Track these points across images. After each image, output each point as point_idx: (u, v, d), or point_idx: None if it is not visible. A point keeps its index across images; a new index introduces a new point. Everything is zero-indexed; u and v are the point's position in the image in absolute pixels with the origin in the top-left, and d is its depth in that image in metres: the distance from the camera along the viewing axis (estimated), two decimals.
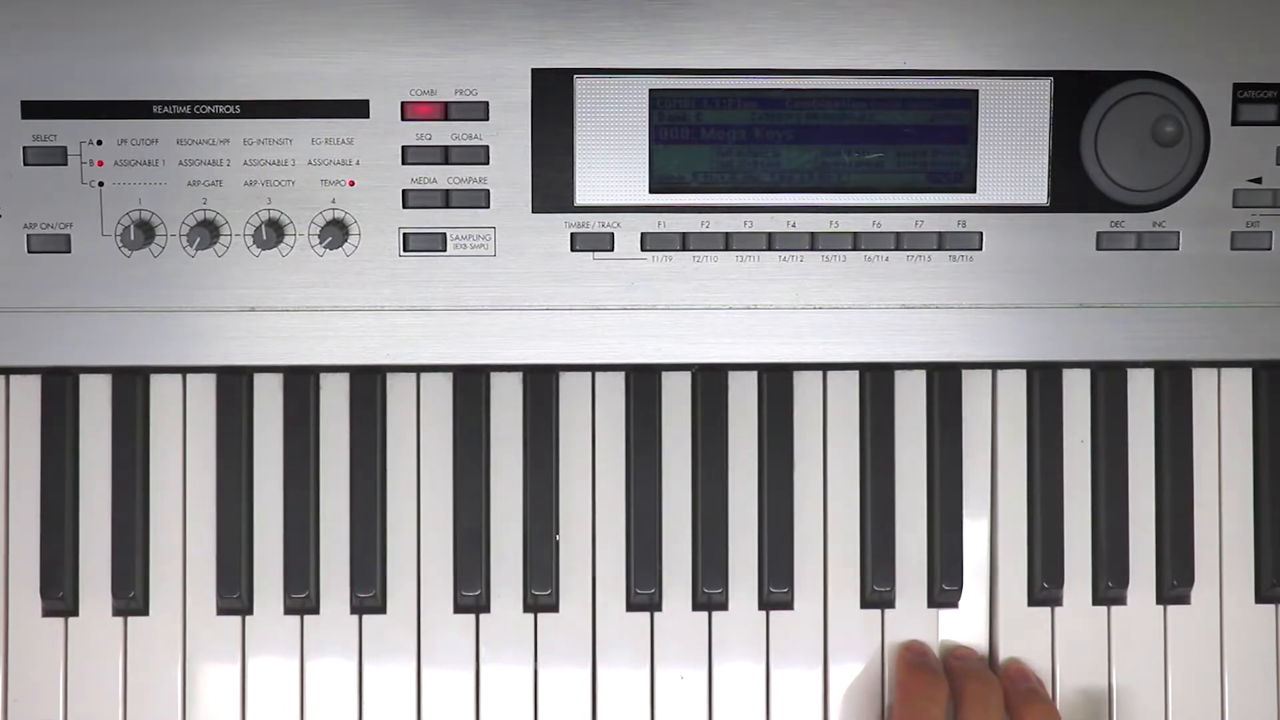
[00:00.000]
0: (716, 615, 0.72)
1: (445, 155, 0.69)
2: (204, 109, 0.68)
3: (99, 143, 0.68)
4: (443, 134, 0.69)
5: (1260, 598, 0.73)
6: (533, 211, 0.69)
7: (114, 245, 0.68)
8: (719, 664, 0.71)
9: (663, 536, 0.71)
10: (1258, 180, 0.71)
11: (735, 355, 0.71)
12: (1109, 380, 0.73)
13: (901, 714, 0.68)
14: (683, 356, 0.71)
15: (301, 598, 0.70)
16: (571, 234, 0.70)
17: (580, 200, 0.69)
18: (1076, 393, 0.73)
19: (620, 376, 0.72)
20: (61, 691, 0.70)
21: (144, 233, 0.67)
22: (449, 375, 0.71)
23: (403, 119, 0.68)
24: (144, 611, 0.70)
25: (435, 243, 0.69)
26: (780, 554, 0.71)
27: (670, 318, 0.70)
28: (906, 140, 0.70)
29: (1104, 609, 0.73)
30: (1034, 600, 0.73)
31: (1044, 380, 0.73)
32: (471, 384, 0.71)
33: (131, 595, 0.70)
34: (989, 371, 0.73)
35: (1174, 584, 0.73)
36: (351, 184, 0.69)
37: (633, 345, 0.70)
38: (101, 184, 0.68)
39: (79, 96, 0.67)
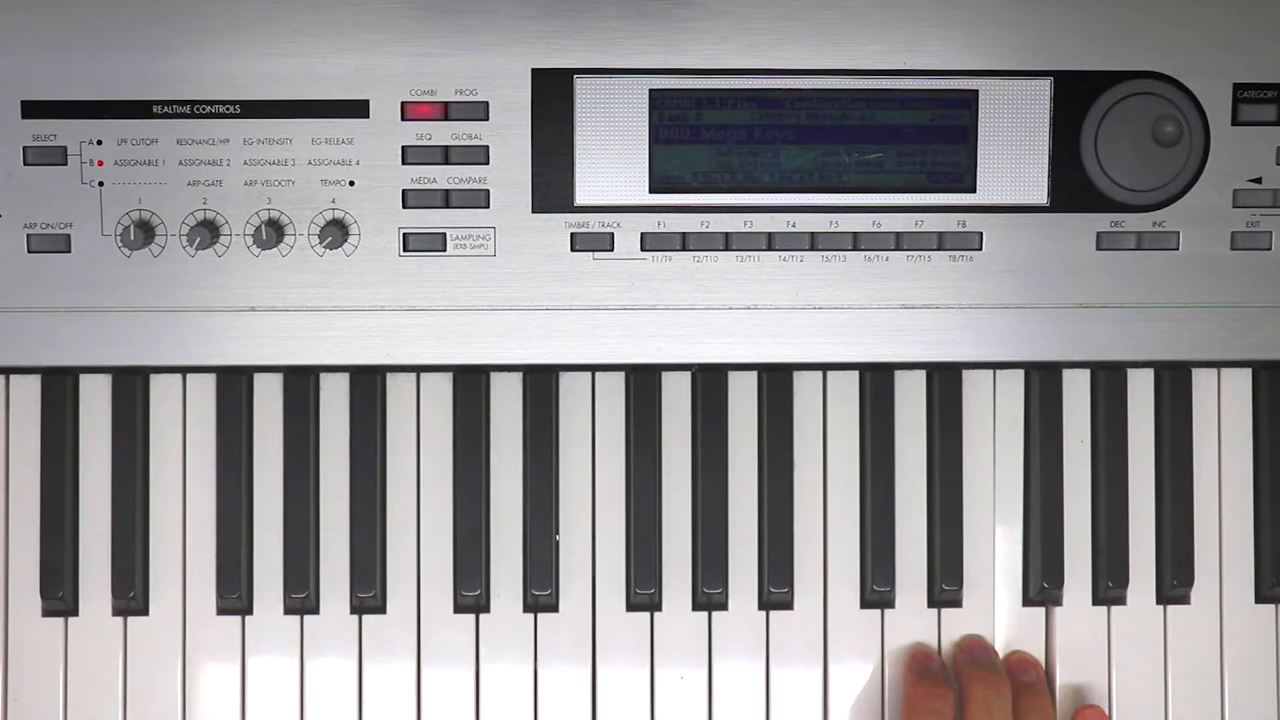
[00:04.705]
0: (716, 615, 0.72)
1: (445, 155, 0.69)
2: (204, 109, 0.68)
3: (99, 143, 0.68)
4: (443, 134, 0.69)
5: (1260, 598, 0.73)
6: (533, 211, 0.69)
7: (114, 245, 0.68)
8: (719, 664, 0.71)
9: (663, 536, 0.71)
10: (1258, 180, 0.71)
11: (735, 355, 0.71)
12: (1109, 380, 0.73)
13: None
14: (683, 356, 0.71)
15: (301, 598, 0.70)
16: (571, 234, 0.70)
17: (580, 200, 0.69)
18: (1076, 393, 0.73)
19: (620, 376, 0.72)
20: (61, 691, 0.70)
21: (144, 233, 0.67)
22: (449, 375, 0.71)
23: (403, 119, 0.68)
24: (144, 611, 0.70)
25: (435, 243, 0.69)
26: (780, 554, 0.71)
27: (670, 318, 0.70)
28: (906, 140, 0.70)
29: (1104, 609, 0.73)
30: (1034, 600, 0.73)
31: (1044, 380, 0.73)
32: (471, 384, 0.71)
33: (131, 595, 0.70)
34: (989, 371, 0.73)
35: (1174, 584, 0.73)
36: (351, 184, 0.69)
37: (633, 345, 0.70)
38: (101, 184, 0.68)
39: (79, 96, 0.67)
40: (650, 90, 0.69)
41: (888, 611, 0.72)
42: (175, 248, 0.69)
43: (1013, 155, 0.70)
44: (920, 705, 0.67)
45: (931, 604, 0.73)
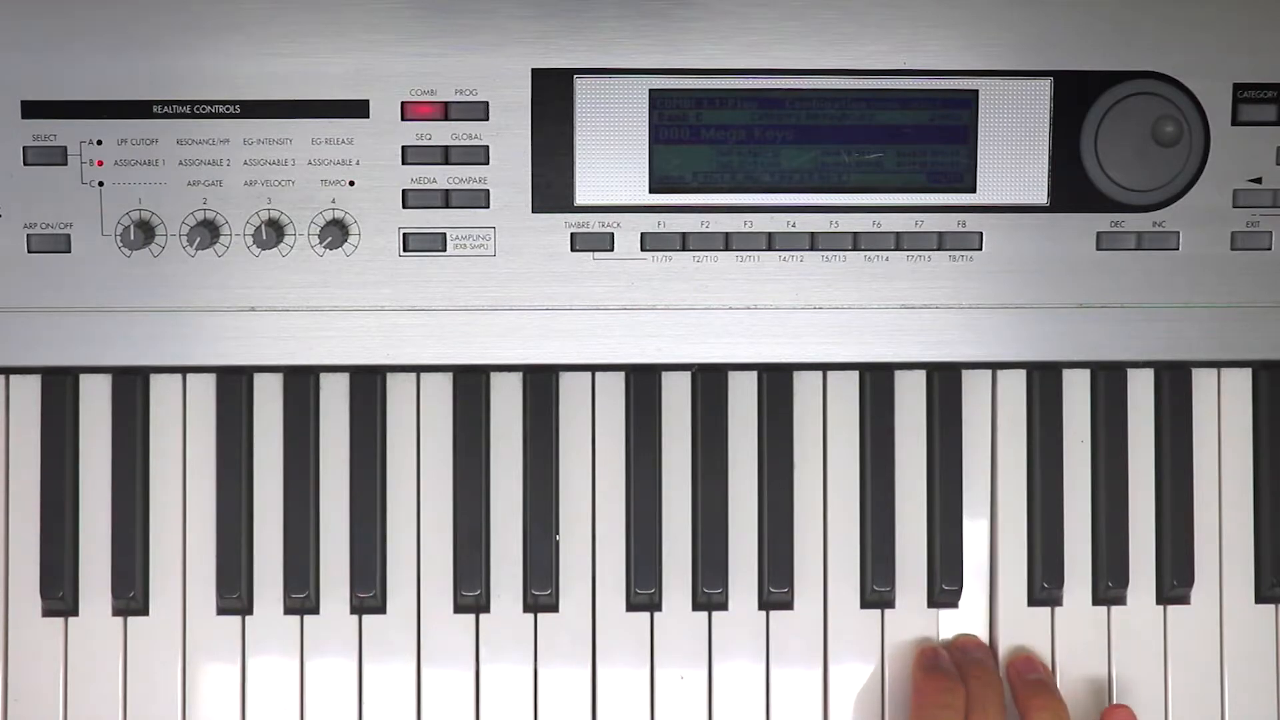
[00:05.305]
0: (716, 615, 0.72)
1: (445, 155, 0.69)
2: (204, 109, 0.68)
3: (99, 143, 0.68)
4: (443, 134, 0.69)
5: (1260, 598, 0.73)
6: (533, 211, 0.69)
7: (114, 245, 0.68)
8: (719, 664, 0.71)
9: (663, 536, 0.71)
10: (1258, 180, 0.71)
11: (735, 355, 0.71)
12: (1109, 380, 0.73)
13: (917, 718, 0.67)
14: (683, 356, 0.71)
15: (301, 598, 0.70)
16: (571, 234, 0.70)
17: (580, 200, 0.69)
18: (1076, 393, 0.73)
19: (620, 376, 0.72)
20: (61, 691, 0.70)
21: (144, 233, 0.67)
22: (449, 375, 0.71)
23: (403, 119, 0.68)
24: (144, 611, 0.70)
25: (435, 243, 0.69)
26: (780, 554, 0.71)
27: (670, 318, 0.70)
28: (906, 140, 0.70)
29: (1104, 609, 0.73)
30: (1034, 600, 0.73)
31: (1044, 380, 0.73)
32: (471, 384, 0.71)
33: (131, 595, 0.70)
34: (989, 371, 0.73)
35: (1174, 584, 0.73)
36: (351, 184, 0.69)
37: (633, 345, 0.70)
38: (101, 184, 0.68)
39: (79, 96, 0.67)
40: (650, 90, 0.69)
41: (888, 611, 0.72)
42: (175, 248, 0.69)
43: (1013, 155, 0.70)
44: (929, 699, 0.67)
45: (931, 604, 0.73)
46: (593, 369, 0.72)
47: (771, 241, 0.70)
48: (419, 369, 0.71)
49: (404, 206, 0.69)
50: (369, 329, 0.70)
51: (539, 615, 0.71)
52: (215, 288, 0.69)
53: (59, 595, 0.69)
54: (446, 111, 0.68)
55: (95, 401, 0.70)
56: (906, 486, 0.72)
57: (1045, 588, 0.72)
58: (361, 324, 0.70)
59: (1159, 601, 0.73)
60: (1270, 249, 0.71)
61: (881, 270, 0.70)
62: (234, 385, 0.70)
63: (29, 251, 0.68)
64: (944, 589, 0.72)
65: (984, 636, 0.73)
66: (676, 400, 0.72)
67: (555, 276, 0.70)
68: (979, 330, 0.71)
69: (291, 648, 0.70)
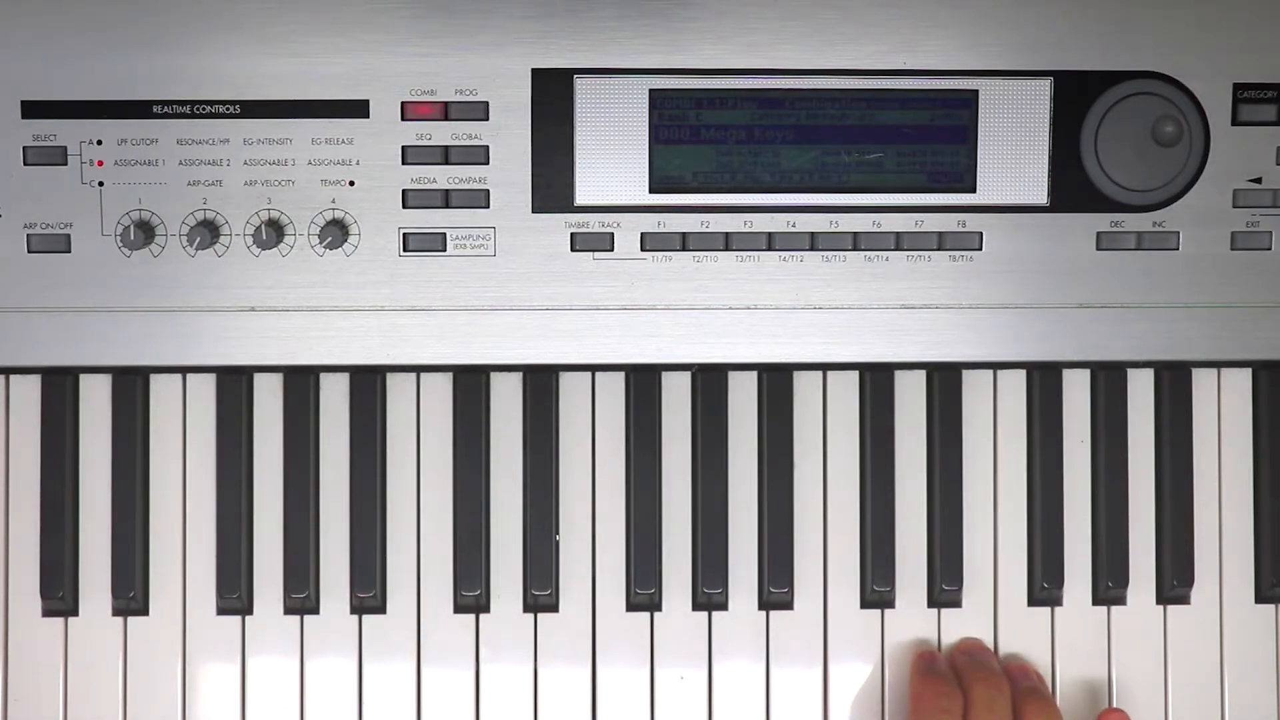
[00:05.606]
0: (716, 615, 0.72)
1: (445, 155, 0.69)
2: (204, 109, 0.68)
3: (99, 143, 0.68)
4: (443, 134, 0.69)
5: (1260, 598, 0.73)
6: (533, 211, 0.69)
7: (114, 245, 0.68)
8: (719, 664, 0.71)
9: (663, 536, 0.71)
10: (1258, 180, 0.71)
11: (735, 355, 0.71)
12: (1109, 380, 0.73)
13: None
14: (683, 356, 0.71)
15: (301, 598, 0.70)
16: (571, 234, 0.70)
17: (580, 200, 0.69)
18: (1076, 393, 0.73)
19: (620, 376, 0.72)
20: (61, 691, 0.70)
21: (144, 233, 0.67)
22: (449, 375, 0.71)
23: (403, 119, 0.68)
24: (144, 611, 0.70)
25: (435, 243, 0.69)
26: (780, 554, 0.71)
27: (670, 318, 0.70)
28: (906, 140, 0.70)
29: (1104, 609, 0.73)
30: (1034, 600, 0.73)
31: (1044, 380, 0.73)
32: (471, 384, 0.71)
33: (131, 595, 0.70)
34: (989, 371, 0.73)
35: (1174, 584, 0.73)
36: (351, 184, 0.69)
37: (633, 345, 0.70)
38: (101, 184, 0.68)
39: (79, 96, 0.67)
40: (650, 90, 0.69)
41: (888, 611, 0.72)
42: (175, 248, 0.69)
43: (1013, 155, 0.70)
44: (927, 703, 0.67)
45: (931, 604, 0.73)
46: (593, 369, 0.72)
47: (771, 241, 0.70)
48: (419, 369, 0.71)
49: (404, 206, 0.69)
50: (369, 329, 0.70)
51: (539, 615, 0.71)
52: (215, 288, 0.69)
53: (59, 595, 0.69)
54: (446, 111, 0.68)
55: (95, 401, 0.70)
56: (906, 486, 0.72)
57: (1045, 588, 0.72)
58: (361, 324, 0.70)
59: (1159, 601, 0.73)
60: (1270, 249, 0.71)
61: (881, 270, 0.70)
62: (234, 385, 0.70)
63: (29, 251, 0.68)
64: (944, 589, 0.72)
65: (984, 636, 0.73)
66: (676, 400, 0.72)
67: (555, 276, 0.70)
68: (979, 330, 0.71)
69: (291, 648, 0.70)
